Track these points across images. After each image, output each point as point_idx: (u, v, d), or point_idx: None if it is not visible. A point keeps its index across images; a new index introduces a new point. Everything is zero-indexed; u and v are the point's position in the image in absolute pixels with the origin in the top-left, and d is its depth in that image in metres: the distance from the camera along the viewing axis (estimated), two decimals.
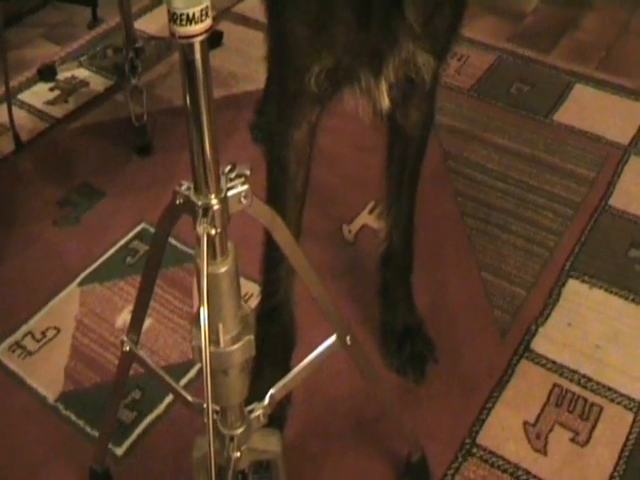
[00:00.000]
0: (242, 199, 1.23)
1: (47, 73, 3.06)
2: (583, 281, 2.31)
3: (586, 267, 2.35)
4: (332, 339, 1.47)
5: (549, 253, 2.38)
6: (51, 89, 3.01)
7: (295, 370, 1.49)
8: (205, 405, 1.21)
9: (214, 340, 1.28)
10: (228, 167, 1.24)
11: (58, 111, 2.90)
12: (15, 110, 2.76)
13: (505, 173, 2.64)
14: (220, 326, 1.28)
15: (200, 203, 1.19)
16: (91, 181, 2.61)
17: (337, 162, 2.63)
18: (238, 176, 1.24)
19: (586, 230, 2.45)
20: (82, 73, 3.08)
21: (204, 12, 1.09)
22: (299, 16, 1.64)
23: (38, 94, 2.99)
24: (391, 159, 2.01)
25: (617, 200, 2.56)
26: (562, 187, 2.59)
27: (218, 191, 1.20)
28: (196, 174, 1.19)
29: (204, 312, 1.20)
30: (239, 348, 1.31)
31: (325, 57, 1.65)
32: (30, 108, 2.92)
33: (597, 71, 3.10)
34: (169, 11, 1.08)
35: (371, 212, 2.47)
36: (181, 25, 1.08)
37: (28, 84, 3.04)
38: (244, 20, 3.36)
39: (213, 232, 1.20)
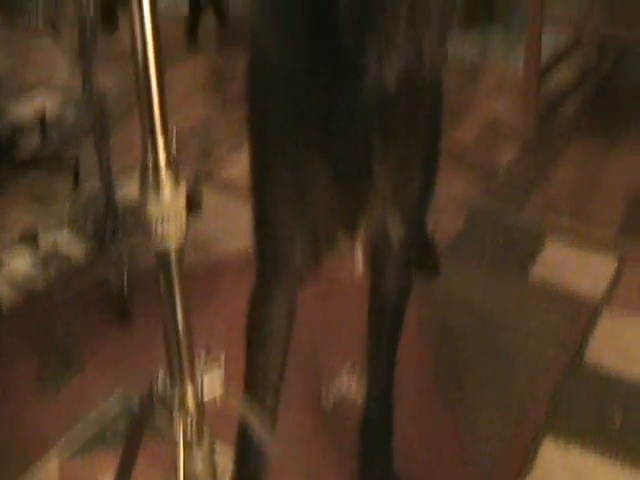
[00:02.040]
0: (217, 386, 1.26)
1: (29, 240, 3.11)
2: (558, 440, 2.32)
3: (561, 425, 2.36)
4: None
5: (523, 411, 2.40)
6: (32, 256, 3.06)
7: None
8: None
9: None
10: (203, 354, 1.28)
11: (39, 279, 2.94)
12: None
13: (479, 333, 2.67)
14: None
15: (176, 395, 1.22)
16: (70, 352, 2.63)
17: (314, 322, 2.67)
18: (212, 363, 1.27)
19: (560, 387, 2.48)
20: (63, 239, 3.13)
21: (179, 216, 1.14)
22: (278, 193, 1.71)
23: (19, 263, 3.04)
24: (370, 322, 2.05)
25: (590, 357, 2.59)
26: (535, 345, 2.63)
27: (193, 381, 1.23)
28: (172, 366, 1.22)
29: None
30: None
31: (304, 231, 1.71)
32: (11, 276, 2.96)
33: (568, 226, 3.17)
34: (144, 216, 1.13)
35: (349, 373, 2.49)
36: (157, 229, 1.13)
37: (9, 251, 3.09)
38: (224, 185, 3.43)
39: (189, 421, 1.23)
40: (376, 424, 2.13)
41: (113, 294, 2.76)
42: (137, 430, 1.44)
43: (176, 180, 1.12)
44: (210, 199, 3.31)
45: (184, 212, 1.15)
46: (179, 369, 1.22)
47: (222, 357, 1.29)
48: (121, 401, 2.44)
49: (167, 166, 1.10)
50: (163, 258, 1.18)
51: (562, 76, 4.12)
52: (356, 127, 1.53)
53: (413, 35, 1.31)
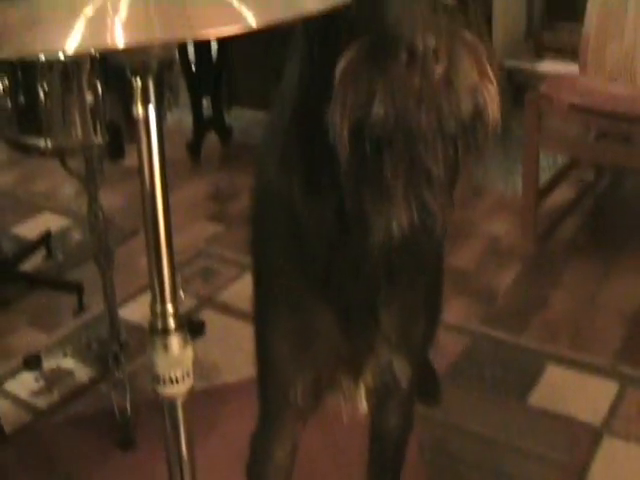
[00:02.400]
0: None
1: (32, 362, 3.13)
2: None
3: None
4: None
5: None
6: (36, 379, 3.08)
7: None
8: None
9: None
10: None
11: (42, 402, 2.96)
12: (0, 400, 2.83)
13: (480, 462, 2.68)
14: None
15: None
16: (73, 476, 2.64)
17: (314, 452, 2.67)
18: None
19: None
20: (67, 363, 3.16)
21: (186, 374, 1.17)
22: (281, 334, 1.73)
23: (23, 384, 3.06)
24: (371, 459, 2.06)
25: None
26: (536, 473, 2.63)
27: None
28: None
29: None
30: None
31: (307, 372, 1.73)
32: (15, 399, 2.98)
33: (568, 350, 3.19)
34: (153, 373, 1.16)
35: None
36: (165, 385, 1.16)
37: (13, 373, 3.11)
38: (226, 309, 3.47)
39: None
40: None
41: (116, 419, 2.77)
42: None
43: (184, 342, 1.15)
44: (213, 322, 3.34)
45: (191, 369, 1.18)
46: None
47: None
48: None
49: (176, 330, 1.14)
50: (170, 410, 1.20)
51: (560, 196, 4.18)
52: (362, 270, 1.55)
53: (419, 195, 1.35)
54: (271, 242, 1.70)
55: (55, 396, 2.99)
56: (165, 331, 1.14)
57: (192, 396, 1.30)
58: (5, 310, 3.51)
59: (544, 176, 4.06)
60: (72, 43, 0.96)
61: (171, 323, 1.14)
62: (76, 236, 4.10)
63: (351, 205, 1.36)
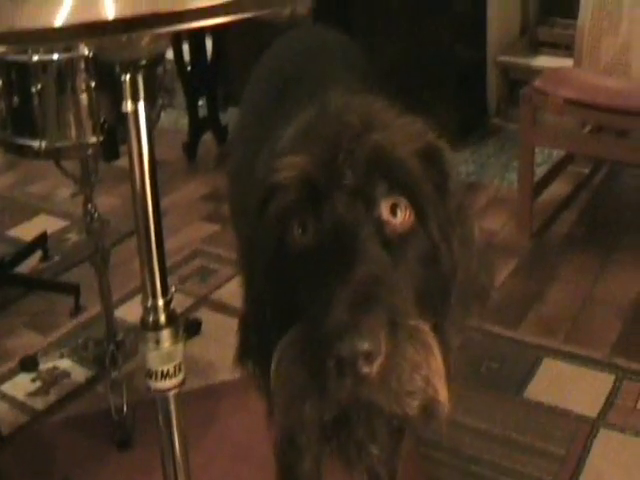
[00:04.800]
0: None
1: (29, 364, 3.14)
2: None
3: None
4: None
5: None
6: (33, 380, 3.09)
7: None
8: None
9: None
10: None
11: (39, 403, 2.97)
12: None
13: (477, 456, 2.68)
14: None
15: None
16: (71, 476, 2.64)
17: None
18: None
19: None
20: (64, 364, 3.16)
21: (177, 368, 1.17)
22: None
23: (20, 385, 3.07)
24: None
25: (587, 476, 2.59)
26: (533, 466, 2.63)
27: None
28: None
29: None
30: None
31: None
32: (12, 400, 2.98)
33: (564, 344, 3.19)
34: (145, 368, 1.17)
35: None
36: (157, 380, 1.17)
37: (10, 375, 3.12)
38: (222, 307, 3.47)
39: None
40: None
41: (113, 419, 2.77)
42: None
43: (175, 336, 1.16)
44: (210, 321, 3.34)
45: (183, 364, 1.18)
46: None
47: None
48: None
49: (167, 324, 1.15)
50: (162, 404, 1.21)
51: (556, 190, 4.18)
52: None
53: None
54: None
55: (52, 397, 3.00)
56: (156, 326, 1.15)
57: (186, 392, 1.30)
58: (2, 313, 3.52)
59: (540, 171, 4.07)
60: (61, 16, 0.96)
61: (162, 318, 1.15)
62: (72, 237, 4.10)
63: None
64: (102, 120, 2.55)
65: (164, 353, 1.15)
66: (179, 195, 4.39)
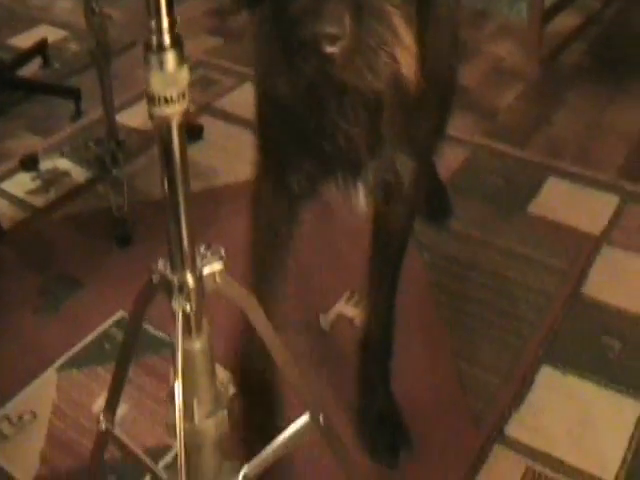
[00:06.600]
0: (217, 277, 1.26)
1: (29, 163, 3.11)
2: (556, 367, 2.33)
3: (559, 354, 2.37)
4: (304, 417, 1.48)
5: (523, 341, 2.41)
6: (33, 179, 3.06)
7: (268, 449, 1.51)
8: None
9: (189, 416, 1.30)
10: (203, 246, 1.28)
11: (39, 201, 2.95)
12: None
13: (480, 265, 2.68)
14: (195, 401, 1.30)
15: (176, 280, 1.22)
16: (71, 271, 2.64)
17: (316, 247, 2.67)
18: (213, 254, 1.27)
19: (559, 318, 2.49)
20: (64, 164, 3.13)
21: (181, 94, 1.13)
22: (280, 126, 1.71)
23: (20, 184, 3.04)
24: (374, 247, 2.05)
25: (589, 289, 2.59)
26: (536, 278, 2.63)
27: (194, 268, 1.23)
28: (172, 251, 1.22)
29: (179, 386, 1.22)
30: (213, 423, 1.32)
31: (304, 163, 1.71)
32: (12, 197, 2.96)
33: (570, 165, 3.16)
34: (147, 93, 1.12)
35: (348, 301, 2.50)
36: (159, 106, 1.12)
37: (10, 174, 3.09)
38: (224, 115, 3.43)
39: (188, 308, 1.23)
40: (375, 346, 2.13)
41: (114, 217, 2.75)
42: (133, 333, 1.44)
43: (179, 60, 1.11)
44: (212, 128, 3.30)
45: (187, 91, 1.14)
46: (180, 255, 1.22)
47: (222, 251, 1.29)
48: (120, 321, 2.45)
49: (172, 46, 1.10)
50: (163, 131, 1.17)
51: (566, 21, 4.09)
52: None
53: None
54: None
55: (52, 195, 2.98)
56: (160, 47, 1.10)
57: None
58: (2, 116, 3.47)
59: (549, 1, 3.96)
60: None
61: (167, 39, 1.09)
62: (73, 47, 4.02)
63: None
64: None
65: (167, 76, 1.10)
66: (183, 9, 4.28)
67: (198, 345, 1.27)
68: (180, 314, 1.23)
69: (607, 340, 2.43)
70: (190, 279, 1.22)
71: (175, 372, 1.24)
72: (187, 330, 1.26)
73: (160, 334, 2.34)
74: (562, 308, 2.52)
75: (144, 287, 1.30)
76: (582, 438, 2.15)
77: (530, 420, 2.19)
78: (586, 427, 2.18)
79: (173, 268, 1.23)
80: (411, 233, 2.06)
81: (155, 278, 1.26)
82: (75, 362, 2.34)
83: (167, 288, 1.24)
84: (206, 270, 1.25)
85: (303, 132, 1.66)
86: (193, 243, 1.23)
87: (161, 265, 1.25)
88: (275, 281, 1.92)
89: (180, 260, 1.22)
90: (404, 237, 2.04)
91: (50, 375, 2.30)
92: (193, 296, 1.23)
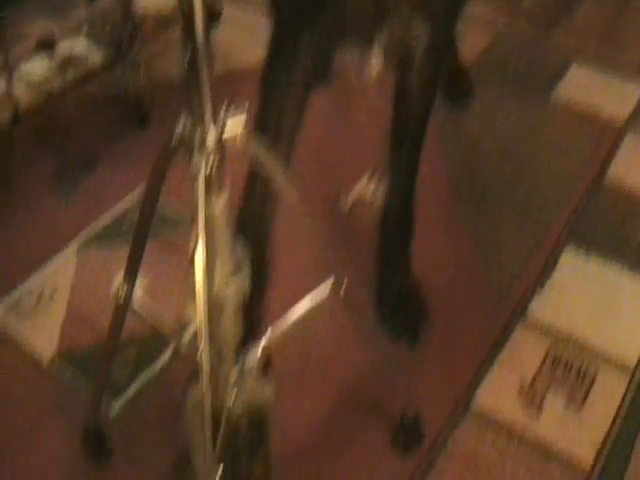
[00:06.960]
0: (237, 135, 1.23)
1: (46, 46, 3.06)
2: (579, 249, 2.31)
3: (583, 237, 2.35)
4: (328, 282, 1.47)
5: (546, 222, 2.39)
6: (49, 61, 3.01)
7: (288, 317, 1.49)
8: (200, 347, 1.21)
9: (210, 281, 1.28)
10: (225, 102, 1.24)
11: (56, 83, 2.90)
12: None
13: (502, 146, 2.64)
14: (217, 264, 1.28)
15: (197, 134, 1.19)
16: (88, 152, 2.61)
17: (336, 126, 2.64)
18: (234, 113, 1.24)
19: (583, 202, 2.46)
20: (81, 46, 3.08)
21: None
22: None
23: (36, 66, 2.99)
24: (395, 122, 2.01)
25: (613, 174, 2.56)
26: (559, 162, 2.59)
27: (215, 119, 1.19)
28: (193, 106, 1.19)
29: (202, 245, 1.20)
30: (234, 286, 1.30)
31: (318, 26, 1.67)
32: (28, 80, 2.92)
33: (595, 50, 3.09)
34: None
35: (369, 180, 2.46)
36: None
37: (26, 57, 3.04)
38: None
39: (210, 159, 1.20)
40: (396, 224, 2.11)
41: (130, 98, 2.72)
42: (152, 196, 1.41)
43: None
44: (229, 10, 3.24)
45: None
46: (200, 108, 1.18)
47: (246, 104, 1.26)
48: (138, 200, 2.43)
49: None
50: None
51: None
52: None
53: None
54: None
55: (69, 77, 2.93)
56: None
57: None
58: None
59: None
60: None
61: None
62: None
63: None
64: None
65: None
66: None
67: (220, 203, 1.24)
68: (202, 167, 1.19)
69: (631, 225, 2.40)
70: (212, 132, 1.19)
71: (197, 232, 1.21)
72: (208, 191, 1.23)
73: (178, 216, 2.32)
74: (586, 193, 2.49)
75: (165, 145, 1.26)
76: (604, 321, 2.14)
77: (553, 300, 2.18)
78: (609, 311, 2.17)
79: (194, 122, 1.19)
80: (431, 108, 2.01)
81: (176, 135, 1.22)
82: (94, 241, 2.33)
83: (188, 144, 1.20)
84: (228, 123, 1.21)
85: None
86: (215, 99, 1.19)
87: (182, 121, 1.22)
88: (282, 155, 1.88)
89: (200, 116, 1.18)
90: (423, 110, 1.99)
91: (69, 253, 2.29)
92: (214, 148, 1.20)
